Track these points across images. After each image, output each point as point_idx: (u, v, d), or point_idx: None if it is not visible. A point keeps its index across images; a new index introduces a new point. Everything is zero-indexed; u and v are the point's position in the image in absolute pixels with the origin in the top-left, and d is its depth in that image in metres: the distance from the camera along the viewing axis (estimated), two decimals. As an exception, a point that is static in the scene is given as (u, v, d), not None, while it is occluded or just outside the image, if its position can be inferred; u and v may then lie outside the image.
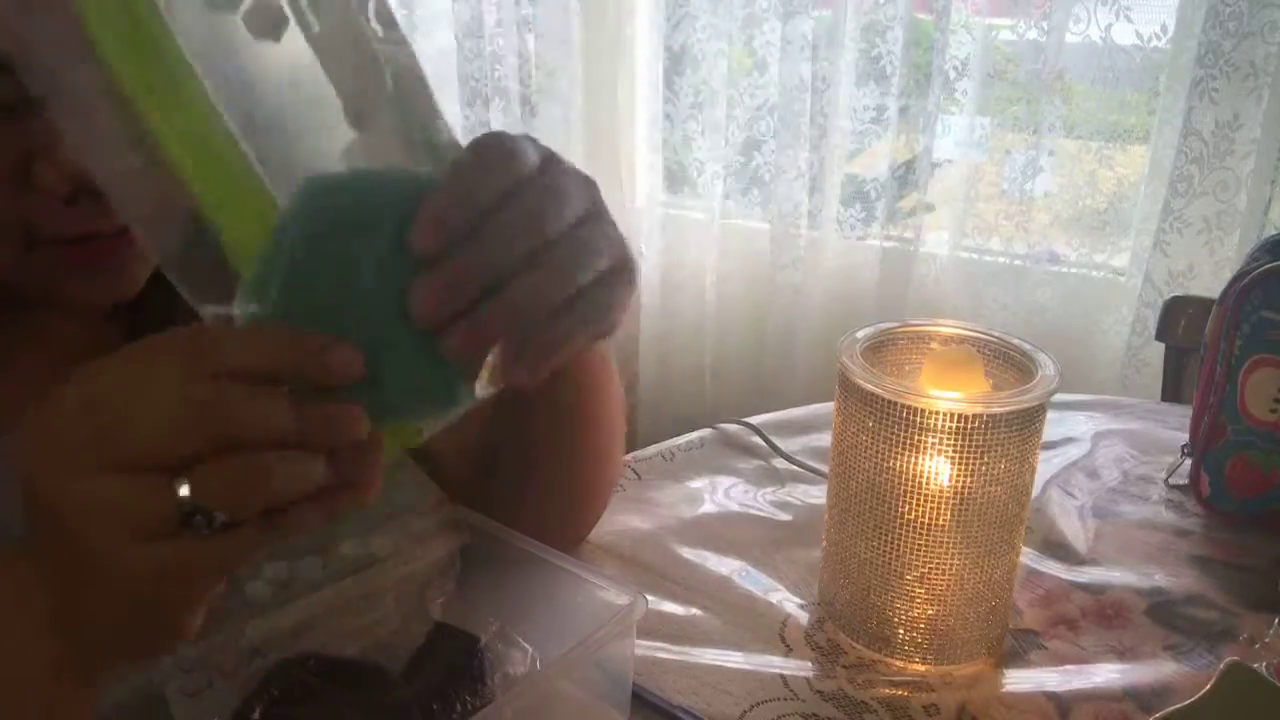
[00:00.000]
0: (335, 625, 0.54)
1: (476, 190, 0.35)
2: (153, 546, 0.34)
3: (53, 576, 0.36)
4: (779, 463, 0.86)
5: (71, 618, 0.37)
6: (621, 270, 0.39)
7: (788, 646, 0.63)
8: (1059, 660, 0.62)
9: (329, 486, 0.35)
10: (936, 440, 0.55)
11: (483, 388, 0.38)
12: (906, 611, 0.60)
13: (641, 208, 2.01)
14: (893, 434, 0.56)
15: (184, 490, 0.33)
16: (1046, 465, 0.84)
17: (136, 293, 0.52)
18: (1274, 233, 0.80)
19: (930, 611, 0.59)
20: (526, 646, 0.53)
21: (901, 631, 0.60)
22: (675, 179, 2.01)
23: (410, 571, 0.58)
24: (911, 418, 0.55)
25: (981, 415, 0.54)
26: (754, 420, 0.91)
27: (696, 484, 0.82)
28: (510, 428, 0.63)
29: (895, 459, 0.56)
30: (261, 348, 0.34)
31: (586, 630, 0.49)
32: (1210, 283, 1.50)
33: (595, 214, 0.39)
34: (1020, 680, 0.60)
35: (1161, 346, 1.21)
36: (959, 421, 0.54)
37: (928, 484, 0.56)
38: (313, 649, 0.49)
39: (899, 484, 0.57)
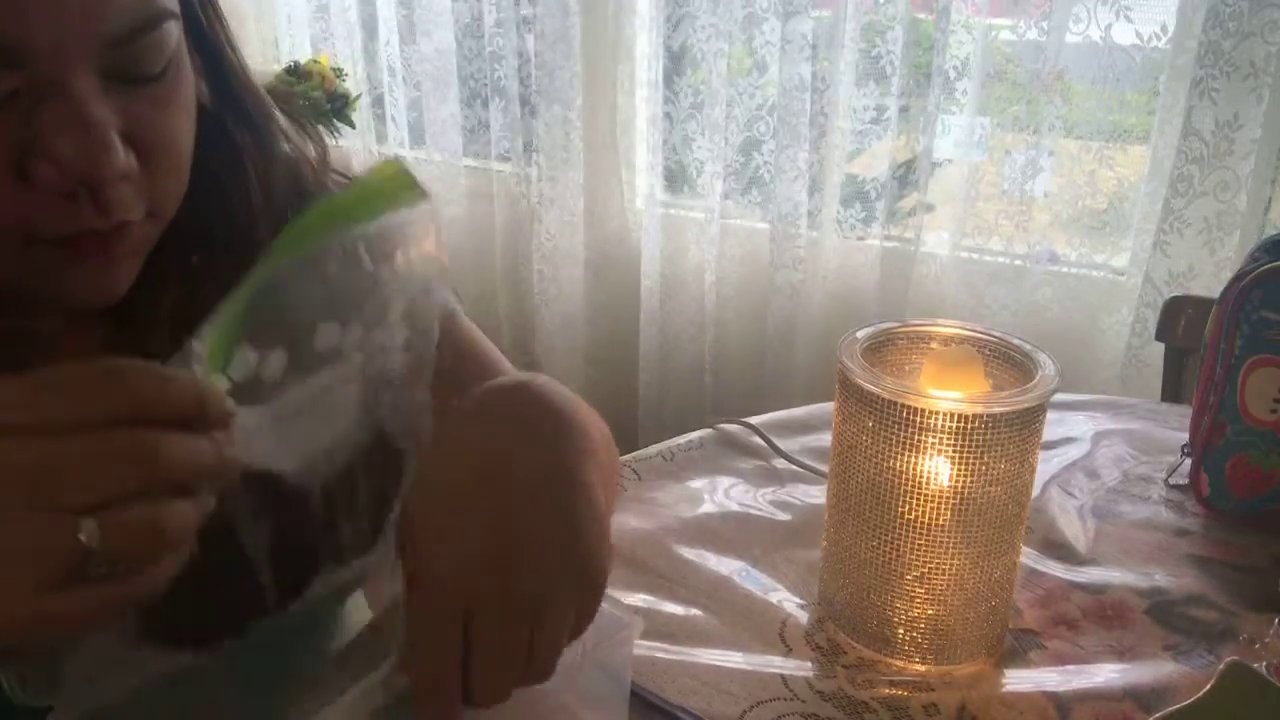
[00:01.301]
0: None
1: None
2: (47, 593, 0.34)
3: None
4: (779, 463, 0.86)
5: None
6: None
7: (788, 646, 0.63)
8: (1059, 660, 0.62)
9: None
10: (936, 440, 0.55)
11: None
12: (906, 611, 0.60)
13: (641, 208, 2.01)
14: (893, 434, 0.56)
15: (91, 536, 0.33)
16: (1046, 465, 0.84)
17: (124, 290, 0.51)
18: (1274, 233, 0.80)
19: (930, 611, 0.59)
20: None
21: (901, 631, 0.60)
22: (675, 179, 2.02)
23: None
24: (911, 418, 0.55)
25: (981, 415, 0.54)
26: (754, 420, 0.91)
27: (696, 484, 0.82)
28: None
29: (895, 459, 0.56)
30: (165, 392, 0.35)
31: (583, 641, 0.49)
32: (1210, 283, 1.50)
33: None
34: (1020, 680, 0.60)
35: (1161, 346, 1.21)
36: (959, 421, 0.54)
37: (928, 484, 0.56)
38: None
39: (899, 484, 0.57)
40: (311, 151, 0.64)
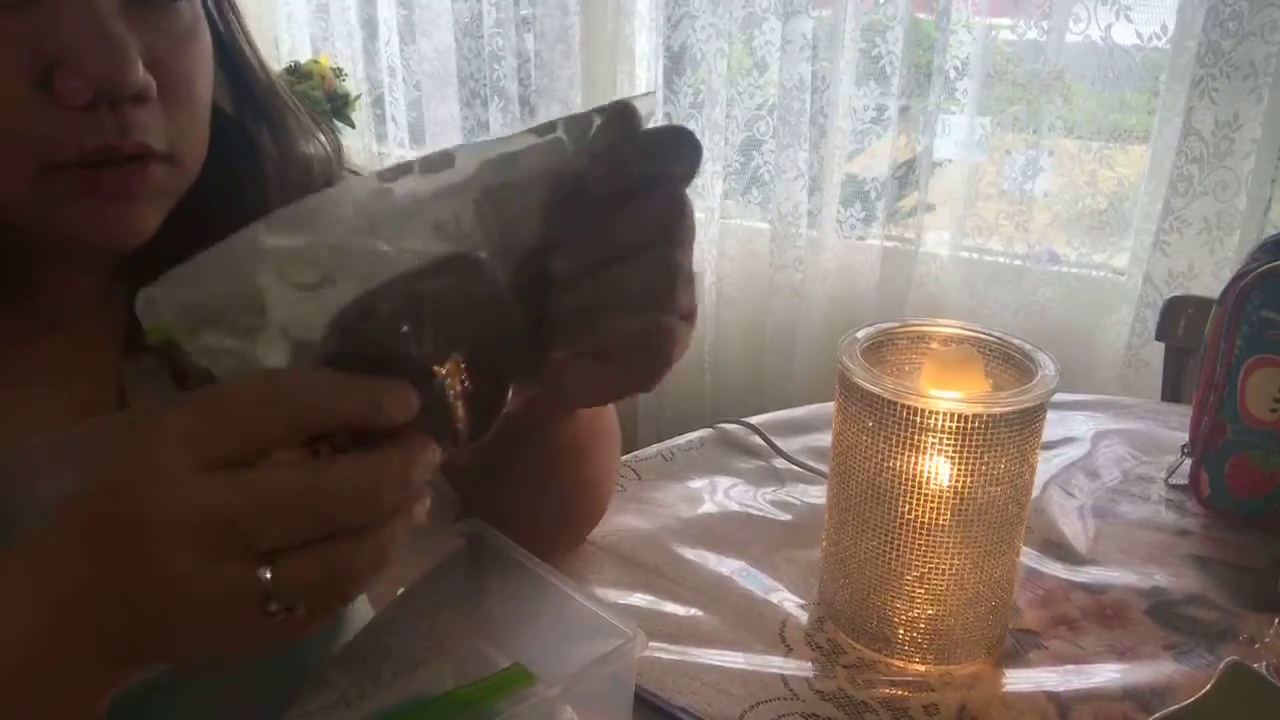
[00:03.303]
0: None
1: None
2: (244, 620, 0.35)
3: (122, 604, 0.36)
4: (779, 463, 0.86)
5: (114, 638, 0.37)
6: None
7: (788, 646, 0.63)
8: (1059, 660, 0.62)
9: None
10: (936, 440, 0.55)
11: None
12: (906, 611, 0.60)
13: None
14: (893, 434, 0.56)
15: (267, 577, 0.34)
16: (1046, 465, 0.84)
17: (144, 239, 0.51)
18: (1274, 233, 0.80)
19: (930, 611, 0.59)
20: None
21: (901, 631, 0.60)
22: (675, 179, 2.01)
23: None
24: (911, 418, 0.55)
25: (981, 415, 0.54)
26: (754, 420, 0.91)
27: (696, 484, 0.82)
28: (503, 459, 0.62)
29: (895, 459, 0.56)
30: (344, 399, 0.34)
31: (585, 654, 0.49)
32: (1210, 283, 1.50)
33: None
34: (1020, 680, 0.60)
35: (1161, 346, 1.21)
36: (959, 421, 0.54)
37: (928, 484, 0.56)
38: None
39: (899, 484, 0.57)
40: (327, 149, 0.64)
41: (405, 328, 0.35)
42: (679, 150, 0.39)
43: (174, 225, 0.55)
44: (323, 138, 0.63)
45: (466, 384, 0.38)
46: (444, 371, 0.37)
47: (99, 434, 0.50)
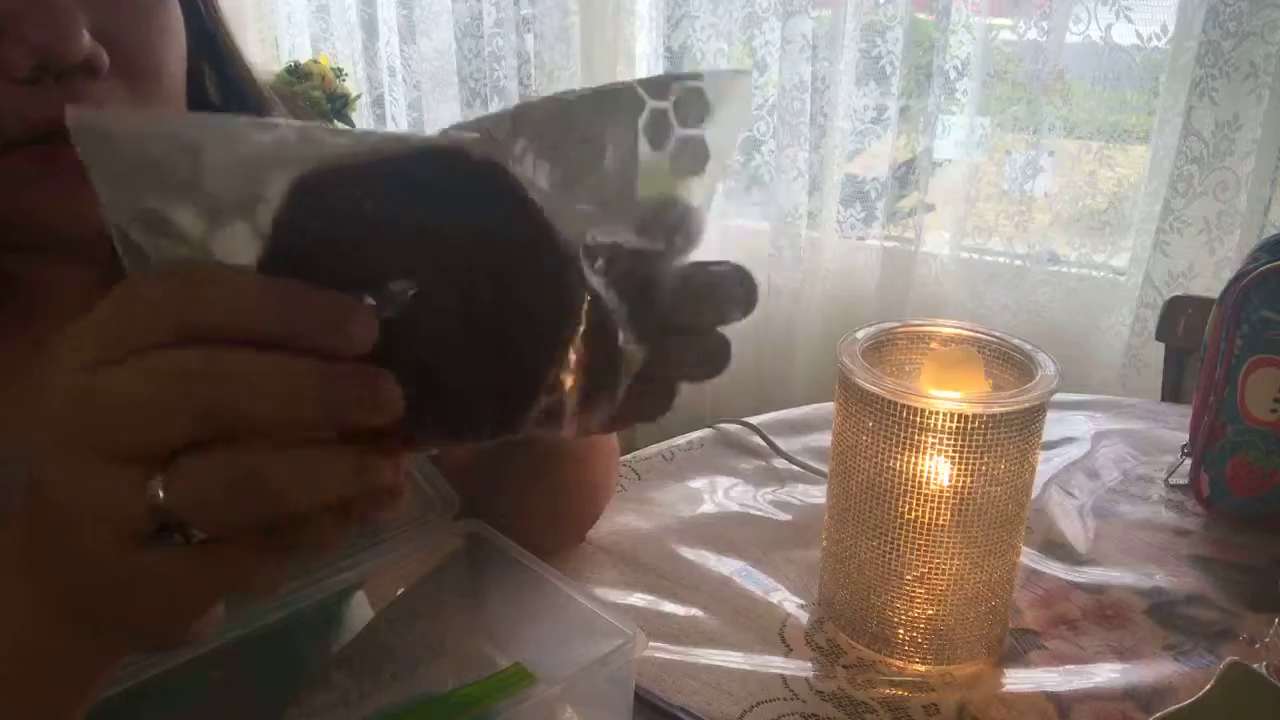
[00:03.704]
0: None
1: None
2: (131, 552, 0.29)
3: (44, 559, 0.32)
4: (779, 463, 0.86)
5: (65, 601, 0.33)
6: None
7: (788, 646, 0.63)
8: (1059, 660, 0.62)
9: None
10: (936, 440, 0.55)
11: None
12: (906, 611, 0.60)
13: None
14: (893, 434, 0.56)
15: (158, 494, 0.28)
16: (1046, 465, 0.84)
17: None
18: (1274, 233, 0.80)
19: (930, 611, 0.59)
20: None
21: (901, 631, 0.60)
22: (675, 179, 2.01)
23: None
24: (911, 418, 0.55)
25: (981, 415, 0.54)
26: (754, 420, 0.91)
27: (696, 484, 0.82)
28: (500, 462, 0.62)
29: (895, 459, 0.56)
30: (264, 302, 0.27)
31: (585, 654, 0.49)
32: (1210, 283, 1.50)
33: None
34: (1020, 680, 0.60)
35: (1161, 346, 1.21)
36: (959, 421, 0.54)
37: (928, 484, 0.56)
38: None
39: (899, 484, 0.57)
40: None
41: (372, 211, 0.27)
42: (746, 299, 0.36)
43: None
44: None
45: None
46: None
47: None
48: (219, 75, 0.57)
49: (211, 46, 0.55)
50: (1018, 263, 1.67)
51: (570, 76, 1.98)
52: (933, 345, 0.63)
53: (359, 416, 0.28)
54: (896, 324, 0.64)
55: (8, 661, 0.34)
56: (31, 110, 0.44)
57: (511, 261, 0.30)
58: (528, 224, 0.30)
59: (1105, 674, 0.61)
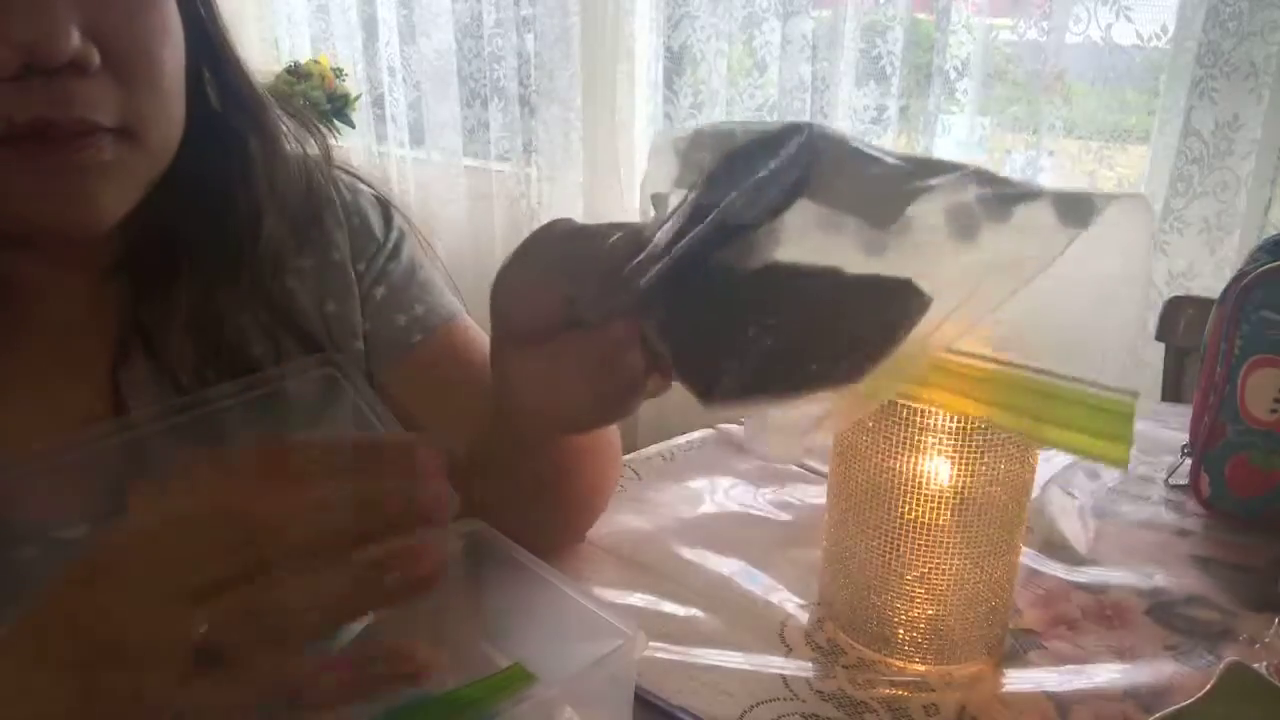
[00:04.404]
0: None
1: None
2: (187, 684, 0.31)
3: (95, 693, 0.32)
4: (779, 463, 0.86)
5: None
6: None
7: (788, 646, 0.63)
8: (1059, 660, 0.62)
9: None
10: (936, 440, 0.55)
11: None
12: (906, 611, 0.60)
13: (642, 208, 2.01)
14: (893, 434, 0.56)
15: (202, 626, 0.31)
16: (1046, 465, 0.84)
17: (107, 223, 0.49)
18: (1274, 233, 0.80)
19: (930, 611, 0.59)
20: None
21: (901, 631, 0.60)
22: (675, 179, 2.02)
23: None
24: (911, 418, 0.55)
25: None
26: (754, 420, 0.91)
27: (696, 484, 0.82)
28: (498, 462, 0.62)
29: (895, 459, 0.56)
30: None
31: (585, 654, 0.48)
32: (1210, 283, 1.50)
33: None
34: (1020, 680, 0.60)
35: (1161, 346, 1.21)
36: (959, 421, 0.54)
37: (928, 484, 0.56)
38: None
39: (899, 484, 0.57)
40: (314, 148, 0.64)
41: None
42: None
43: (162, 224, 0.55)
44: (311, 137, 0.62)
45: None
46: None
47: (89, 445, 0.50)
48: (216, 78, 0.56)
49: (210, 49, 0.55)
50: (1018, 263, 1.67)
51: (570, 77, 1.98)
52: (933, 345, 0.63)
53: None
54: (896, 324, 0.63)
55: None
56: (16, 108, 0.44)
57: None
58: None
59: (1105, 674, 0.61)
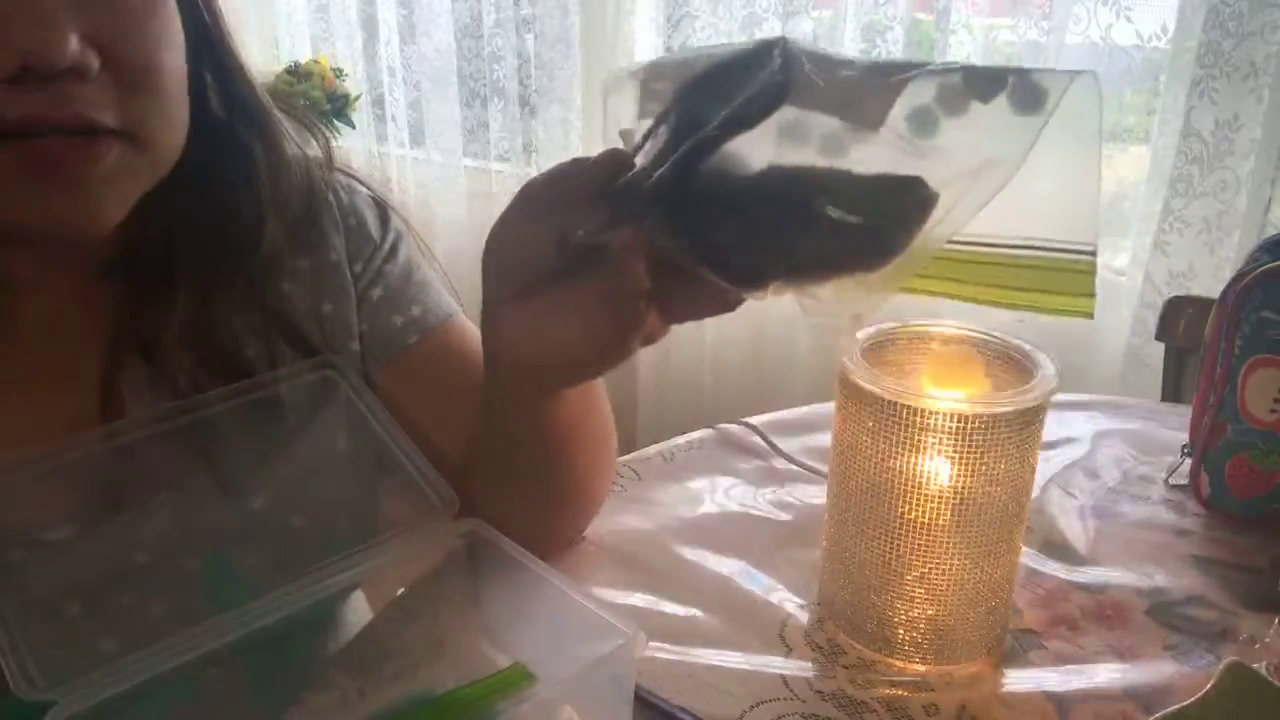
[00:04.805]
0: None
1: None
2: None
3: None
4: (779, 463, 0.86)
5: None
6: None
7: (788, 646, 0.63)
8: (1059, 660, 0.62)
9: None
10: (936, 440, 0.55)
11: None
12: (906, 611, 0.60)
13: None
14: (893, 434, 0.56)
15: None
16: (1046, 465, 0.84)
17: (107, 226, 0.49)
18: (1274, 233, 0.80)
19: (930, 611, 0.59)
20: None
21: (901, 631, 0.60)
22: (675, 179, 2.01)
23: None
24: (911, 418, 0.55)
25: (981, 415, 0.54)
26: (754, 420, 0.91)
27: (696, 484, 0.82)
28: (493, 453, 0.62)
29: (895, 459, 0.56)
30: None
31: (585, 654, 0.49)
32: (1210, 283, 1.50)
33: None
34: (1020, 680, 0.60)
35: (1161, 346, 1.21)
36: (959, 421, 0.54)
37: (928, 484, 0.56)
38: None
39: (899, 484, 0.57)
40: (316, 149, 0.64)
41: None
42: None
43: (161, 227, 0.55)
44: (313, 138, 0.62)
45: None
46: None
47: (80, 450, 0.49)
48: (219, 83, 0.56)
49: (213, 54, 0.55)
50: (1018, 263, 1.67)
51: (570, 77, 1.98)
52: (933, 345, 0.63)
53: None
54: (897, 324, 0.64)
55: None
56: (11, 108, 0.44)
57: None
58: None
59: (1105, 674, 0.61)
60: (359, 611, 0.70)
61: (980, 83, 0.39)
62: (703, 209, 0.43)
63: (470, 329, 0.70)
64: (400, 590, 0.64)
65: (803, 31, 1.72)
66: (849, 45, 1.70)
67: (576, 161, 0.47)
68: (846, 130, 0.41)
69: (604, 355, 0.49)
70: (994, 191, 0.39)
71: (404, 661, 0.58)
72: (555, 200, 0.46)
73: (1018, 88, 0.39)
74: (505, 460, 0.62)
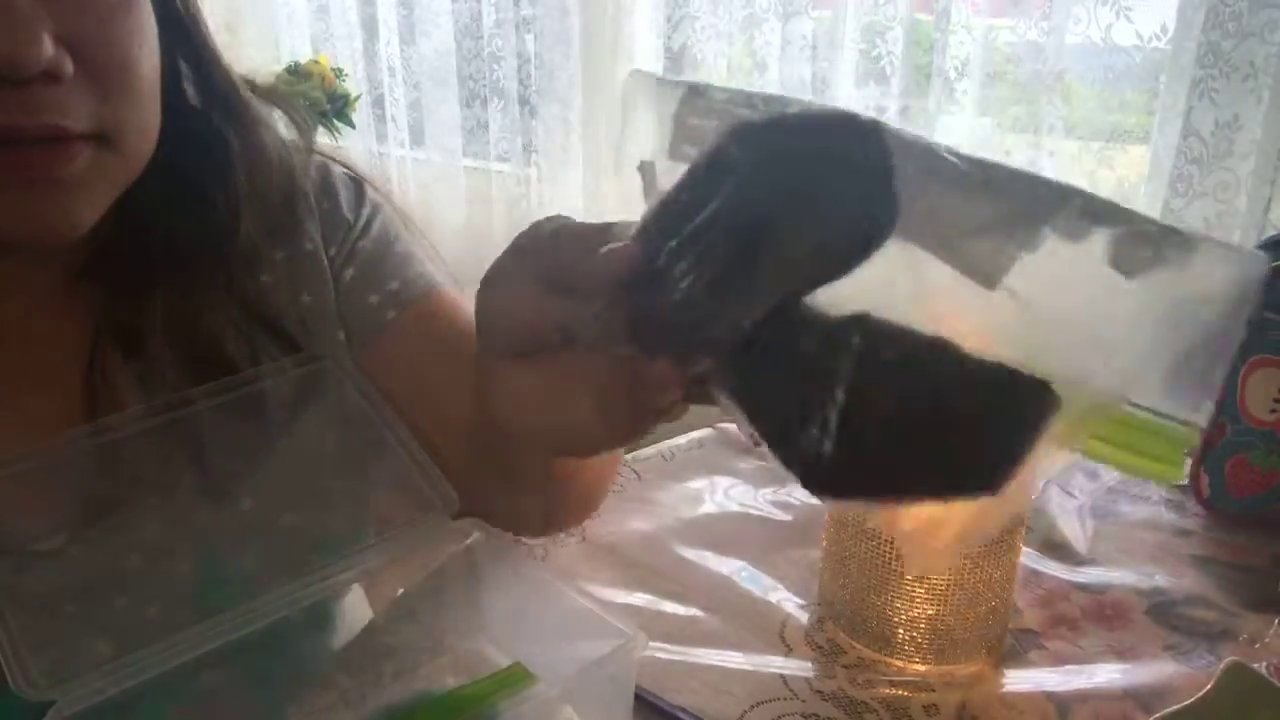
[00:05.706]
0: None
1: None
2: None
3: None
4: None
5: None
6: None
7: (788, 646, 0.63)
8: (1059, 660, 0.62)
9: None
10: (936, 440, 0.55)
11: None
12: (906, 611, 0.60)
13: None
14: (893, 434, 0.56)
15: None
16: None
17: (80, 230, 0.48)
18: (1274, 233, 0.80)
19: (930, 611, 0.59)
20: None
21: (901, 631, 0.60)
22: (675, 179, 2.02)
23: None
24: (911, 417, 0.55)
25: (981, 415, 0.54)
26: (754, 420, 0.90)
27: (696, 484, 0.82)
28: (492, 451, 0.61)
29: (895, 459, 0.56)
30: None
31: (585, 654, 0.48)
32: (1210, 283, 1.49)
33: None
34: (1020, 680, 0.60)
35: (1161, 347, 1.21)
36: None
37: (928, 484, 0.56)
38: None
39: (899, 484, 0.57)
40: (295, 135, 0.62)
41: None
42: None
43: (136, 221, 0.54)
44: (294, 125, 0.61)
45: None
46: None
47: (64, 451, 0.48)
48: (195, 74, 0.56)
49: (188, 44, 0.55)
50: (1018, 263, 1.67)
51: (570, 77, 1.98)
52: (933, 345, 0.63)
53: None
54: (896, 324, 0.63)
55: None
56: None
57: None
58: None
59: (1105, 674, 0.61)
60: (359, 611, 0.70)
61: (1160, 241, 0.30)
62: (769, 376, 0.35)
63: (460, 301, 0.65)
64: (400, 590, 0.64)
65: (802, 32, 1.72)
66: (849, 46, 1.70)
67: (588, 233, 0.40)
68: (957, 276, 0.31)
69: (612, 438, 0.43)
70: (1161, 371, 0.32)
71: (404, 661, 0.58)
72: (557, 276, 0.40)
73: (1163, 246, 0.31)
74: (501, 468, 0.62)
